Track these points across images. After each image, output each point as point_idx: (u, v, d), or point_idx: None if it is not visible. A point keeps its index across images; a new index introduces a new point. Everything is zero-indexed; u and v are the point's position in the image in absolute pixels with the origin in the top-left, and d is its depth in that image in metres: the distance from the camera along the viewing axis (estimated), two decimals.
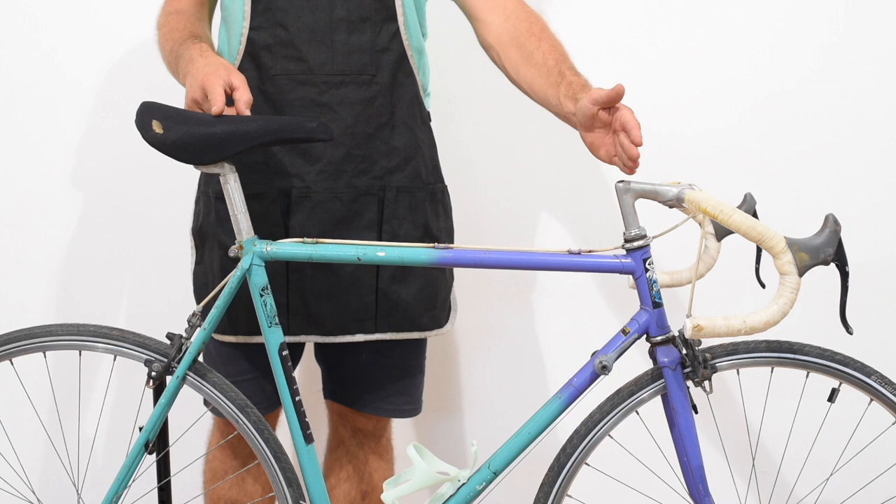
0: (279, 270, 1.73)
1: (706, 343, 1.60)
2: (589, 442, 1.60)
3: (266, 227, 1.70)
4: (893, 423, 1.67)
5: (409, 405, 1.90)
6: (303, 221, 1.72)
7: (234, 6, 1.73)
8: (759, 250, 1.66)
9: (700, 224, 1.62)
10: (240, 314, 1.73)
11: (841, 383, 1.63)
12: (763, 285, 1.70)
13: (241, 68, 1.71)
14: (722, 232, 1.65)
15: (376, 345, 1.82)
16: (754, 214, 1.61)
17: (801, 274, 1.42)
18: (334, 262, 1.59)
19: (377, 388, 1.86)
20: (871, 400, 1.63)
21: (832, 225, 1.46)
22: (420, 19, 1.79)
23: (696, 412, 1.58)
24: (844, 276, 1.49)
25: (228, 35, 1.75)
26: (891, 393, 1.61)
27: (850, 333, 1.54)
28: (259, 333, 1.69)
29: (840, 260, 1.46)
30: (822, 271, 1.48)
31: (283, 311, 1.73)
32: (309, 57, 1.70)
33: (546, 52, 1.71)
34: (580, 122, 1.61)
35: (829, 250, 1.44)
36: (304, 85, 1.71)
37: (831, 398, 1.64)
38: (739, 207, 1.60)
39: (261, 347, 1.68)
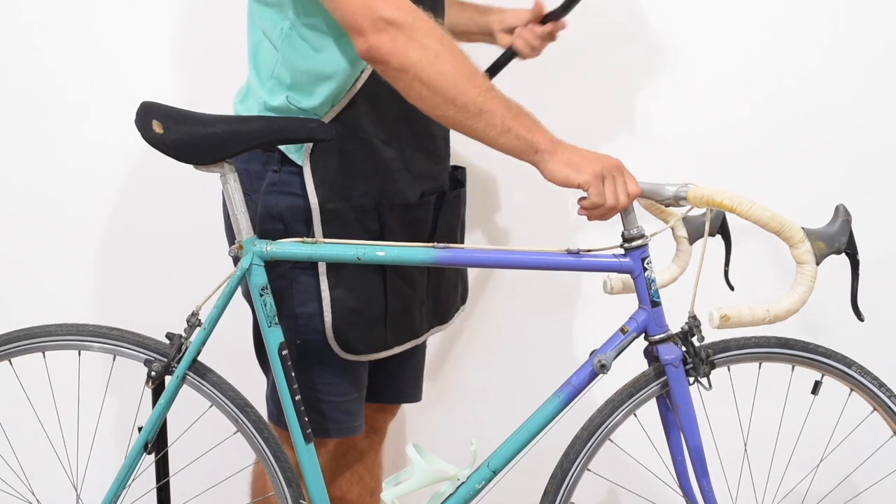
0: (424, 273, 1.75)
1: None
2: (591, 447, 1.60)
3: (420, 233, 1.73)
4: (872, 412, 1.70)
5: (421, 386, 1.98)
6: (447, 219, 1.78)
7: None
8: (727, 254, 1.68)
9: (672, 228, 1.64)
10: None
11: (823, 375, 1.67)
12: (732, 288, 1.71)
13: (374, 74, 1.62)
14: (695, 236, 1.67)
15: None
16: (724, 219, 1.64)
17: (818, 262, 1.45)
18: (334, 261, 1.59)
19: (417, 375, 1.93)
20: (851, 390, 1.67)
21: (843, 215, 1.50)
22: None
23: None
24: (855, 265, 1.52)
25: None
26: (869, 382, 1.65)
27: (862, 320, 1.58)
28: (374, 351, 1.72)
29: (851, 249, 1.50)
30: (832, 283, 1.49)
31: (416, 311, 1.76)
32: None
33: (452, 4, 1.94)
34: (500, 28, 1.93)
35: (842, 239, 1.49)
36: None
37: (814, 390, 1.68)
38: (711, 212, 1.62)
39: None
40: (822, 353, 1.66)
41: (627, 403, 1.60)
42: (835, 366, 1.65)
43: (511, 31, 1.94)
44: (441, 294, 1.82)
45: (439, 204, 1.76)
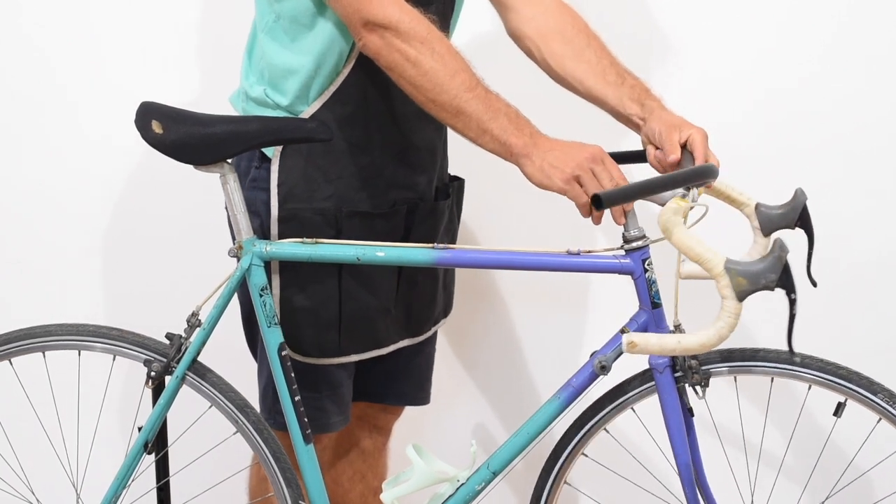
0: (391, 283, 1.72)
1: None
2: (584, 435, 1.62)
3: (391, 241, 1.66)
4: None
5: (428, 389, 1.95)
6: (421, 231, 1.73)
7: None
8: (809, 249, 1.56)
9: (748, 216, 1.59)
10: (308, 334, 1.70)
11: (847, 398, 1.56)
12: (815, 284, 1.58)
13: (358, 64, 1.63)
14: (769, 227, 1.57)
15: None
16: (804, 210, 1.55)
17: (740, 299, 1.36)
18: (334, 262, 1.59)
19: (422, 378, 1.92)
20: (880, 419, 1.56)
21: (778, 251, 1.38)
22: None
23: (692, 415, 1.58)
24: (791, 304, 1.40)
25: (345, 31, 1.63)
26: None
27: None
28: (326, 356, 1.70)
29: (786, 286, 1.38)
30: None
31: (379, 320, 1.72)
32: None
33: (598, 51, 1.72)
34: (646, 135, 1.63)
35: (771, 276, 1.36)
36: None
37: (837, 412, 1.57)
38: (788, 203, 1.55)
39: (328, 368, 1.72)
40: (843, 377, 1.54)
41: (619, 400, 1.61)
42: (857, 391, 1.53)
43: (650, 141, 1.66)
44: (413, 306, 1.78)
45: (412, 214, 1.73)
